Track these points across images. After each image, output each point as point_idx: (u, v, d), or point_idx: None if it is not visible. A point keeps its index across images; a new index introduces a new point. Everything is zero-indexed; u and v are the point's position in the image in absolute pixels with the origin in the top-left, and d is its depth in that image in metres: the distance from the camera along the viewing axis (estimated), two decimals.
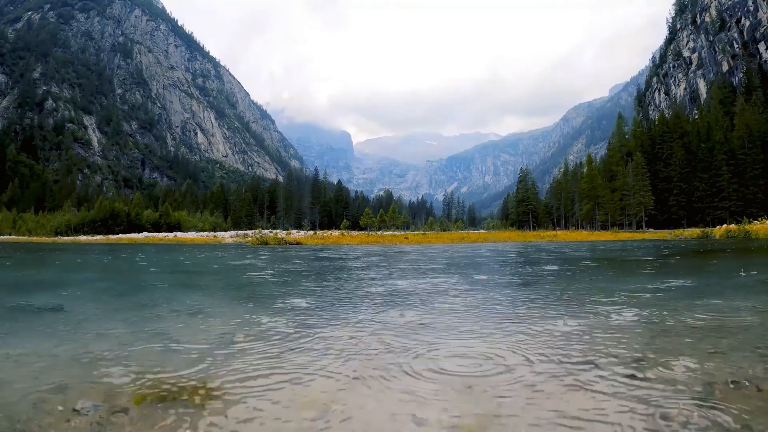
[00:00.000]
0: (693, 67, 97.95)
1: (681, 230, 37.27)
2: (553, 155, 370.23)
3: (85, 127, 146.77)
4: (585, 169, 68.08)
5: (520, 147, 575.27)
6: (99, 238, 41.92)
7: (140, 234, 47.46)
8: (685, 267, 7.66)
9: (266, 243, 22.00)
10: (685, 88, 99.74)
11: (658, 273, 6.30)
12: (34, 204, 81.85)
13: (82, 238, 44.65)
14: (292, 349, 2.15)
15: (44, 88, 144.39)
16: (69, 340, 2.40)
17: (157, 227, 61.23)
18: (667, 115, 66.88)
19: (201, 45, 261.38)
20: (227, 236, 37.95)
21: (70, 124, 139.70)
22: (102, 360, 1.98)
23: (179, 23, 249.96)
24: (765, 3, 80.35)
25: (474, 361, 1.92)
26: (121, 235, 44.97)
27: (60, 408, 1.42)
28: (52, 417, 1.36)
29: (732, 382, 1.59)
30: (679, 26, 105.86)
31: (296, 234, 35.46)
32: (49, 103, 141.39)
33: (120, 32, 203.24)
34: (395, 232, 47.43)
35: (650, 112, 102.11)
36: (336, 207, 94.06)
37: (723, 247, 13.47)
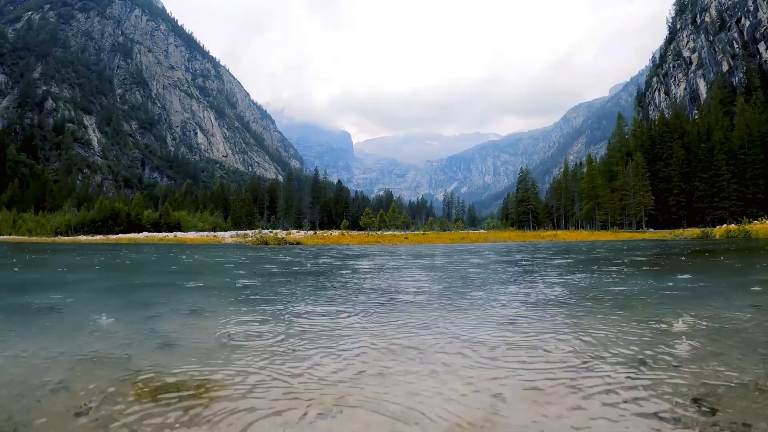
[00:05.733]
0: (693, 67, 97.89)
1: (681, 230, 37.28)
2: (553, 155, 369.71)
3: (85, 127, 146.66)
4: (585, 169, 67.99)
5: (520, 147, 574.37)
6: (99, 238, 41.88)
7: (140, 234, 47.41)
8: (687, 266, 7.66)
9: (266, 243, 22.00)
10: (685, 88, 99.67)
11: (662, 271, 6.30)
12: (34, 204, 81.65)
13: (82, 238, 44.61)
14: (293, 349, 2.15)
15: (44, 88, 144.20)
16: (69, 340, 2.41)
17: (157, 227, 61.16)
18: (667, 115, 66.78)
19: (201, 45, 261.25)
20: (227, 236, 37.93)
21: (70, 124, 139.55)
22: (102, 359, 1.99)
23: (179, 23, 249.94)
24: (765, 3, 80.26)
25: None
26: (121, 235, 44.94)
27: (61, 407, 1.42)
28: (53, 416, 1.36)
29: (732, 381, 1.58)
30: (679, 26, 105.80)
31: (296, 234, 35.43)
32: (49, 103, 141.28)
33: (120, 32, 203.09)
34: (395, 232, 47.42)
35: (650, 112, 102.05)
36: (336, 207, 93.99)
37: (722, 247, 13.47)
